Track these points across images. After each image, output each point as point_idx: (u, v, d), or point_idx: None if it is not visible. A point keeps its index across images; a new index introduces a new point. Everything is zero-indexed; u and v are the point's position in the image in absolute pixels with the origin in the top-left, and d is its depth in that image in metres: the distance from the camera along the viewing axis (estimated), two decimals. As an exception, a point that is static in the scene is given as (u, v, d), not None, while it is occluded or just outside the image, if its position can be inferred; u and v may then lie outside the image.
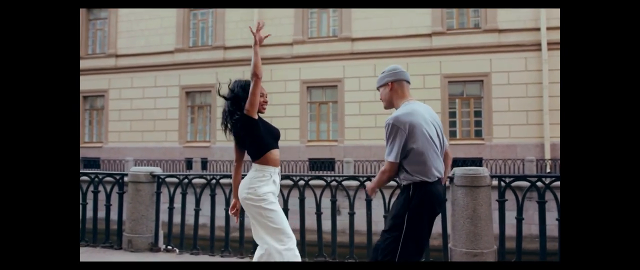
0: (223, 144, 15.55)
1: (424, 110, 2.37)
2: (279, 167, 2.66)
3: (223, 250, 4.26)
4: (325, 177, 4.03)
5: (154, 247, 4.47)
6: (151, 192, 4.51)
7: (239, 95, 2.62)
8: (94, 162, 16.28)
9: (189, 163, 15.34)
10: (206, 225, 4.46)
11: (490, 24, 14.10)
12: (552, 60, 13.30)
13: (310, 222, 4.11)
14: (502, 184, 3.66)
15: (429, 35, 14.57)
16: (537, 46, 13.57)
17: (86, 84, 16.78)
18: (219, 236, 4.38)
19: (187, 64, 16.17)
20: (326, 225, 4.07)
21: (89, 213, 4.79)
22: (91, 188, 4.76)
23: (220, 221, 4.35)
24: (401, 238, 2.21)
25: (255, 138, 2.54)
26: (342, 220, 4.35)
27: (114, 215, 4.70)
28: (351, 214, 3.95)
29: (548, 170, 12.95)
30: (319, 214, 4.01)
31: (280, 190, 4.09)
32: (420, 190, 2.25)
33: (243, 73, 15.80)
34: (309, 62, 15.41)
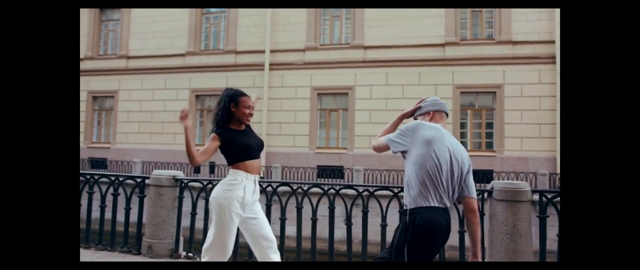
0: (231, 149, 15.44)
1: (448, 136, 2.29)
2: (256, 176, 2.77)
3: (247, 258, 4.13)
4: (356, 187, 3.90)
5: (174, 254, 4.34)
6: (173, 196, 4.39)
7: (226, 106, 2.77)
8: (101, 163, 16.19)
9: (196, 166, 15.20)
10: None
11: (505, 36, 14.01)
12: (566, 74, 13.17)
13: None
14: (544, 199, 3.53)
15: (442, 45, 14.49)
16: (551, 59, 13.47)
17: (96, 84, 16.75)
18: (244, 243, 4.24)
19: (198, 67, 16.11)
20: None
21: (107, 215, 4.65)
22: (110, 190, 4.63)
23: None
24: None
25: (228, 152, 2.75)
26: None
27: (133, 219, 4.58)
28: (383, 226, 3.81)
29: (559, 185, 12.80)
30: (349, 225, 3.88)
31: (309, 199, 3.99)
32: (418, 217, 2.12)
33: (254, 78, 15.76)
34: (321, 68, 15.33)
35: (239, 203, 2.65)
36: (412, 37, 14.63)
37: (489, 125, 14.26)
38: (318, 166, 14.85)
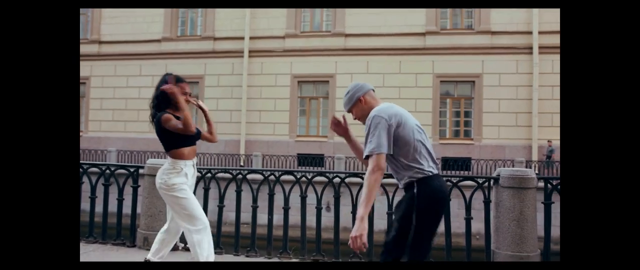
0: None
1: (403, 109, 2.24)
2: (193, 160, 2.89)
3: (249, 249, 4.04)
4: (361, 175, 3.85)
5: (172, 245, 4.20)
6: (170, 186, 4.23)
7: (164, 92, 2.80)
8: (72, 152, 15.61)
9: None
10: (230, 222, 4.22)
11: (484, 26, 14.21)
12: (542, 64, 13.52)
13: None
14: (549, 186, 3.58)
15: (423, 34, 14.57)
16: (528, 49, 13.76)
17: (66, 70, 16.06)
18: (245, 233, 4.15)
19: (175, 53, 15.67)
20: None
21: (98, 208, 4.46)
22: (102, 180, 4.43)
23: (246, 218, 4.11)
24: (409, 241, 2.02)
25: (166, 139, 2.80)
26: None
27: (126, 210, 4.41)
28: (390, 214, 3.79)
29: (536, 172, 13.18)
30: (354, 213, 3.84)
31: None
32: (427, 185, 2.07)
33: (233, 65, 15.47)
34: (301, 56, 15.18)
35: (181, 184, 2.77)
36: (393, 26, 14.64)
37: (468, 114, 14.51)
38: (298, 154, 14.77)
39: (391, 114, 2.11)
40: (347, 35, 14.96)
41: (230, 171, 4.15)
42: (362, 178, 3.82)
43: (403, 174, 2.13)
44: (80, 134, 16.04)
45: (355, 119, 2.33)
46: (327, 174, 3.91)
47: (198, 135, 2.89)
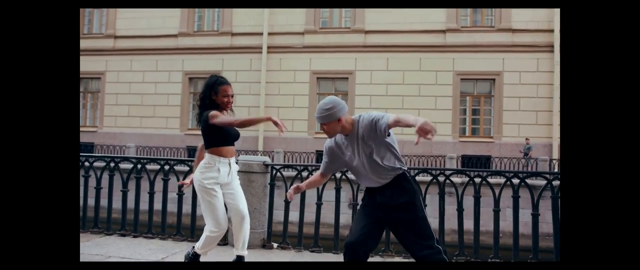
0: (227, 134, 15.05)
1: None
2: (230, 158, 3.01)
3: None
4: (468, 172, 3.83)
5: (266, 244, 4.13)
6: (264, 183, 4.16)
7: (207, 94, 2.96)
8: (88, 148, 15.35)
9: (191, 151, 14.72)
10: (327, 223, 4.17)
11: (504, 23, 14.24)
12: (564, 62, 13.57)
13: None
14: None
15: (443, 31, 14.57)
16: (549, 47, 13.82)
17: (81, 65, 15.73)
18: (343, 234, 4.09)
19: (191, 49, 15.48)
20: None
21: (186, 208, 4.37)
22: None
23: (345, 218, 4.06)
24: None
25: (208, 136, 2.97)
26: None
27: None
28: (496, 211, 3.77)
29: (556, 170, 13.26)
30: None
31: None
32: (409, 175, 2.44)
33: (251, 61, 15.34)
34: (320, 52, 15.09)
35: (214, 181, 2.91)
36: (413, 23, 14.60)
37: (487, 112, 14.56)
38: (317, 151, 14.70)
39: None
40: (366, 32, 14.90)
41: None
42: (469, 175, 3.78)
43: (398, 164, 2.37)
44: (95, 129, 15.81)
45: (323, 130, 2.38)
46: (431, 171, 3.86)
47: (238, 136, 3.04)
